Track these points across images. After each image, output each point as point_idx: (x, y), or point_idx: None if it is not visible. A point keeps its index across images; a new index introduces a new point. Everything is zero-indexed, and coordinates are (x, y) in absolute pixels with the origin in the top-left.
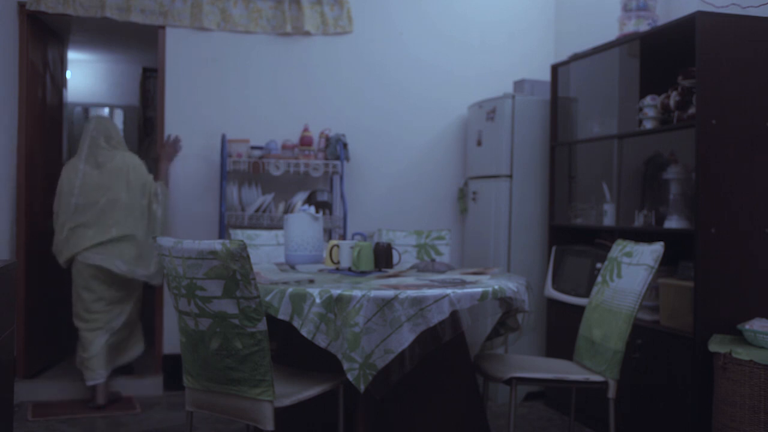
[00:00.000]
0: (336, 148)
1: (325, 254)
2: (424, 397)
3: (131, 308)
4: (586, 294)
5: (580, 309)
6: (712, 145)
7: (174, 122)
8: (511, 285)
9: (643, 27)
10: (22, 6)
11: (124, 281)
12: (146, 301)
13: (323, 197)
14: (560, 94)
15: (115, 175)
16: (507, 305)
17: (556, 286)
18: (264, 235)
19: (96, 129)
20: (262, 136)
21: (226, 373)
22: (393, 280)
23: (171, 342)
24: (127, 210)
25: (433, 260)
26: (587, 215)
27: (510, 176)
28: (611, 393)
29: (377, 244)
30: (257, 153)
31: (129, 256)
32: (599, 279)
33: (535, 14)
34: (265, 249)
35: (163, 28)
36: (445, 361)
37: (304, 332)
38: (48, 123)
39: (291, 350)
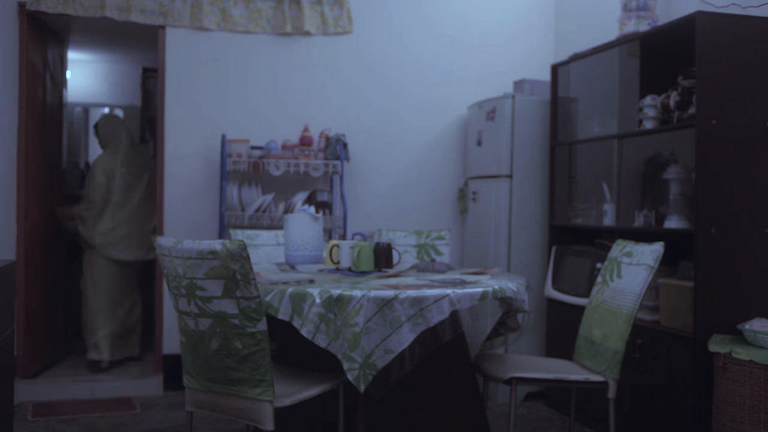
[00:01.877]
0: (336, 148)
1: (325, 254)
2: (424, 397)
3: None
4: (586, 294)
5: (580, 309)
6: (712, 145)
7: (174, 122)
8: (511, 285)
9: (643, 27)
10: (22, 6)
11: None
12: (146, 301)
13: (323, 197)
14: (560, 94)
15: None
16: (507, 305)
17: (556, 286)
18: (264, 235)
19: (129, 134)
20: (262, 136)
21: (226, 373)
22: (393, 280)
23: (171, 342)
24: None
25: (433, 260)
26: (587, 215)
27: (510, 176)
28: (611, 393)
29: (377, 244)
30: (257, 153)
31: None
32: (599, 279)
33: (535, 14)
34: (265, 249)
35: (163, 28)
36: (445, 361)
37: (304, 332)
38: (48, 123)
39: (291, 350)
